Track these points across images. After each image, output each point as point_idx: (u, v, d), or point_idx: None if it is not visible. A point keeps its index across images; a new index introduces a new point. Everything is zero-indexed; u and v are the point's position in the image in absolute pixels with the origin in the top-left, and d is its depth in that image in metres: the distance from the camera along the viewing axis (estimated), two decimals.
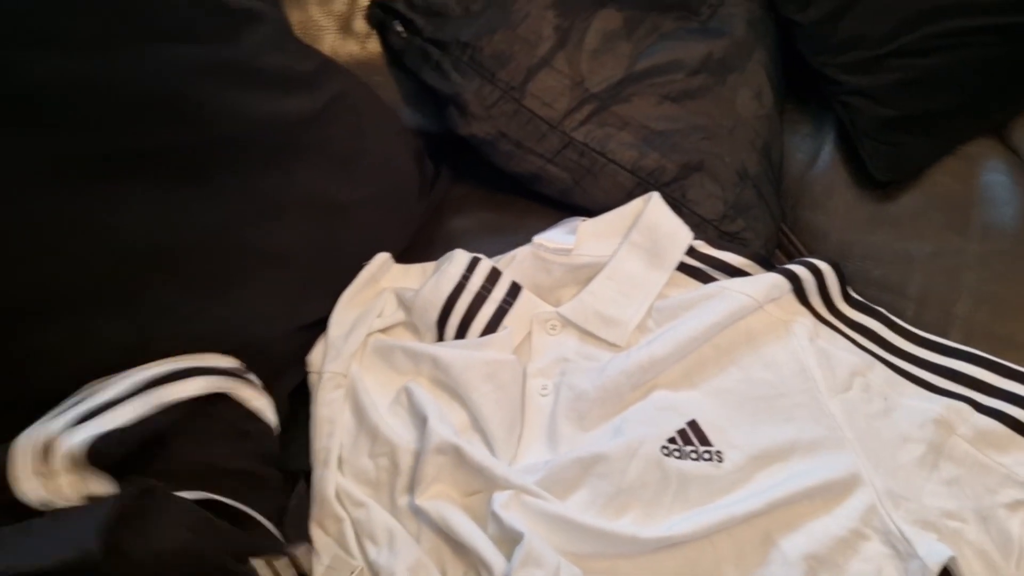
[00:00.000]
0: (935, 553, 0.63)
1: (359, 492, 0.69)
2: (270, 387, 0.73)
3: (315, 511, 0.69)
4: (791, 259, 0.84)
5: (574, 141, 0.80)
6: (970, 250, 0.79)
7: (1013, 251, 0.78)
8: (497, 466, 0.67)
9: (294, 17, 0.82)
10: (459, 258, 0.76)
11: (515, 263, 0.78)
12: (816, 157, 0.89)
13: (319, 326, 0.76)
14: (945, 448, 0.69)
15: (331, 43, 0.86)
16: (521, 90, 0.79)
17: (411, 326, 0.78)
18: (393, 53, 0.86)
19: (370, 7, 0.86)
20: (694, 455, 0.68)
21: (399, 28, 0.83)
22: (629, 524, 0.66)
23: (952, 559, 0.63)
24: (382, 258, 0.78)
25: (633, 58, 0.81)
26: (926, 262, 0.80)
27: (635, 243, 0.78)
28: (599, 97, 0.80)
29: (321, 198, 0.75)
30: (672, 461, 0.68)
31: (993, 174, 0.83)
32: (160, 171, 0.67)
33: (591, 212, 0.81)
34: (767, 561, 0.65)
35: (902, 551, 0.64)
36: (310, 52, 0.78)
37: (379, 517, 0.68)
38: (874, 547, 0.65)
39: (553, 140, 0.80)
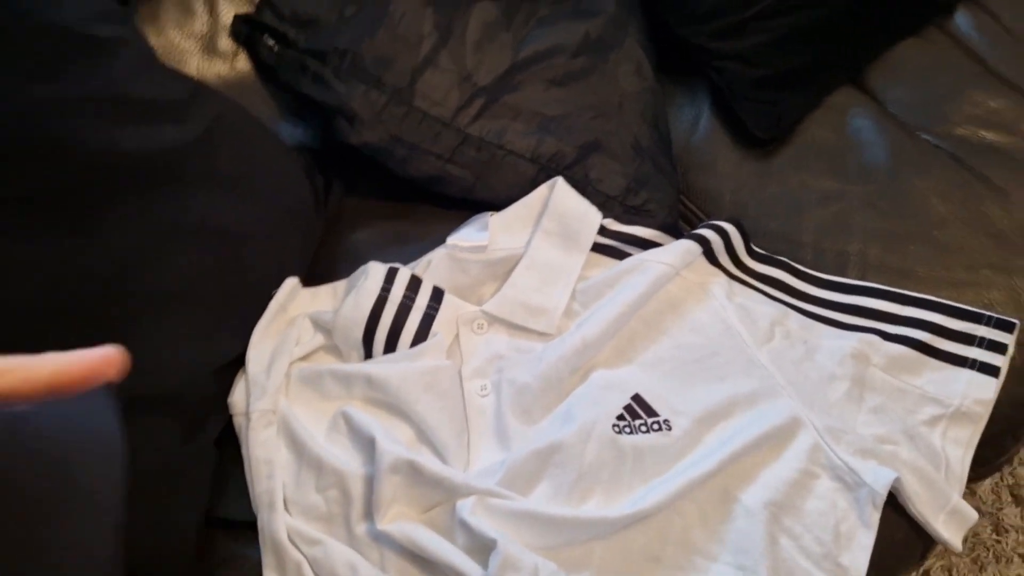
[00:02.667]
0: (881, 477, 0.67)
1: (312, 530, 0.66)
2: (193, 438, 0.68)
3: (268, 559, 0.65)
4: (692, 225, 0.87)
5: (470, 136, 0.78)
6: (852, 192, 0.84)
7: (890, 188, 0.84)
8: (455, 475, 0.66)
9: (153, 43, 0.76)
10: (376, 271, 0.74)
11: (432, 268, 0.76)
12: (696, 124, 0.92)
13: (235, 366, 0.72)
14: (865, 379, 0.73)
15: (196, 66, 0.80)
16: (409, 91, 0.77)
17: (332, 349, 0.75)
18: (265, 69, 0.82)
19: (234, 23, 0.81)
20: (644, 428, 0.69)
21: (270, 42, 0.79)
22: (595, 507, 0.66)
23: (897, 479, 0.66)
24: (291, 284, 0.75)
25: (515, 47, 0.81)
26: (815, 209, 0.84)
27: (547, 230, 0.78)
28: (488, 89, 0.79)
29: (214, 228, 0.71)
30: (625, 437, 0.68)
31: (859, 119, 0.88)
32: (33, 221, 0.61)
33: (497, 206, 0.80)
34: (731, 517, 0.66)
35: (850, 482, 0.68)
36: (180, 77, 0.73)
37: (337, 552, 0.64)
38: (825, 483, 0.68)
39: (449, 138, 0.78)
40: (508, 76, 0.80)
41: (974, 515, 0.70)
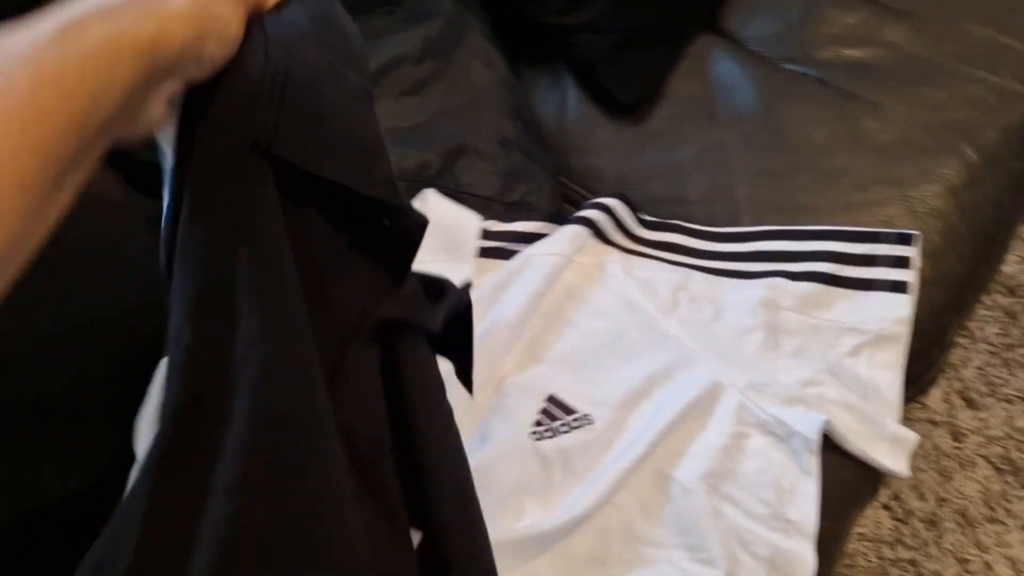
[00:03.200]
0: (810, 422, 0.65)
1: None
2: None
3: None
4: (579, 207, 0.84)
5: None
6: (728, 138, 0.82)
7: (765, 126, 0.82)
8: None
9: None
10: None
11: None
12: (564, 104, 0.89)
13: None
14: (779, 325, 0.71)
15: None
16: None
17: None
18: None
19: None
20: (565, 428, 0.66)
21: None
22: (531, 523, 0.63)
23: (827, 422, 0.64)
24: None
25: None
26: (696, 163, 0.82)
27: (428, 245, 0.73)
28: None
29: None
30: (546, 443, 0.65)
31: (722, 63, 0.87)
32: None
33: None
34: (669, 497, 0.64)
35: (781, 434, 0.65)
36: None
37: None
38: (756, 440, 0.66)
39: None
40: None
41: (914, 437, 0.68)
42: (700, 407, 0.67)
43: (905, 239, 0.74)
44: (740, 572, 0.60)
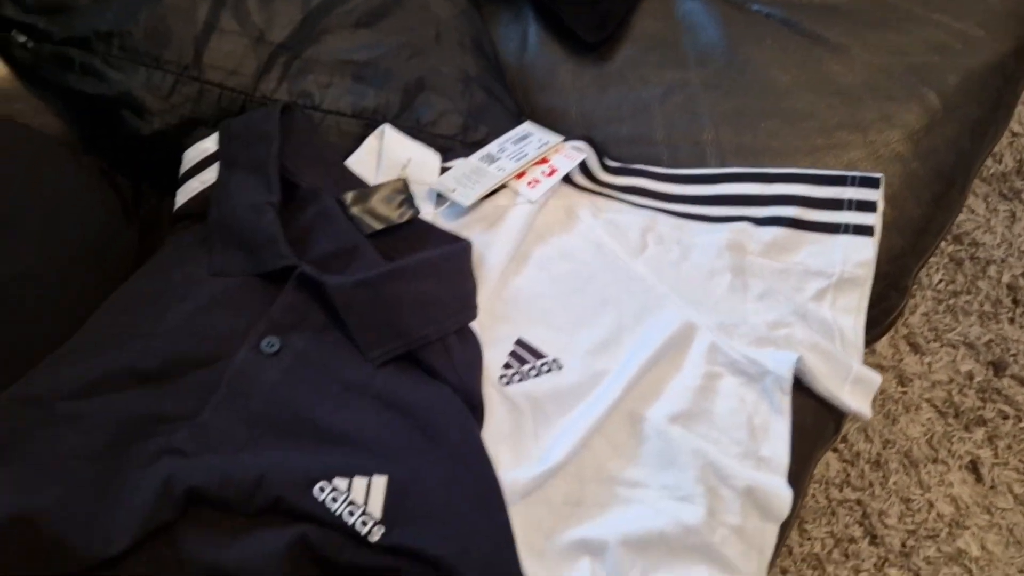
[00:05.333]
0: (783, 362, 0.64)
1: None
2: None
3: None
4: None
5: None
6: (693, 79, 0.81)
7: (730, 67, 0.81)
8: None
9: None
10: None
11: None
12: (524, 42, 0.86)
13: None
14: (746, 268, 0.70)
15: None
16: (197, 65, 0.68)
17: None
18: (25, 71, 0.71)
19: None
20: (534, 372, 0.64)
21: (21, 38, 0.68)
22: (504, 474, 0.61)
23: (800, 359, 0.64)
24: None
25: None
26: (661, 104, 0.80)
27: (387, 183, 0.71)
28: (287, 47, 0.71)
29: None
30: (515, 387, 0.63)
31: (686, 3, 0.85)
32: None
33: None
34: (643, 439, 0.63)
35: (753, 373, 0.65)
36: None
37: None
38: (728, 381, 0.65)
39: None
40: (306, 27, 0.72)
41: (877, 379, 0.68)
42: (673, 348, 0.66)
43: (870, 182, 0.73)
44: (719, 507, 0.59)
